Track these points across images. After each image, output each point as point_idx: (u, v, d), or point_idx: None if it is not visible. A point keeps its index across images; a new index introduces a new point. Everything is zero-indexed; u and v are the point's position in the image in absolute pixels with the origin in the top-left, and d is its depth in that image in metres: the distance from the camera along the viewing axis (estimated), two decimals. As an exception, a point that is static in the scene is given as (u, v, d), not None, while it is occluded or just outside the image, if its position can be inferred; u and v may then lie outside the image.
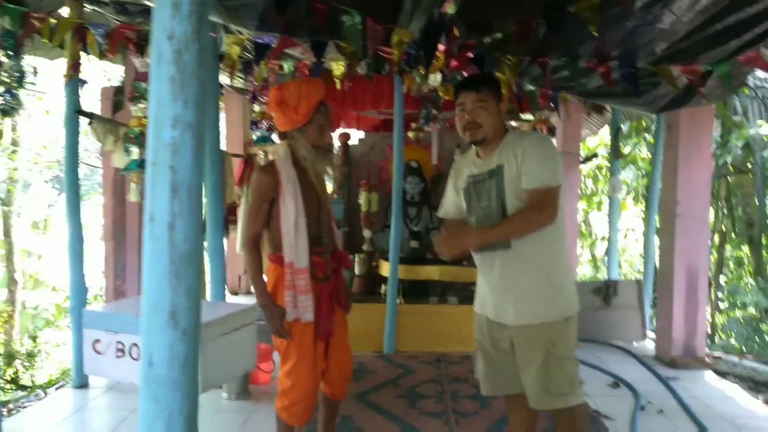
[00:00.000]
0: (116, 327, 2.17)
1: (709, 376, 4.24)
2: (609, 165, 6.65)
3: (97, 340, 2.21)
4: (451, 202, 2.45)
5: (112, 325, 2.18)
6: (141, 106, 3.46)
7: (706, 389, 3.94)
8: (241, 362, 2.37)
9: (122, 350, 2.20)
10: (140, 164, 3.49)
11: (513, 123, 6.82)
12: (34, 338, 7.53)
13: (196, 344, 1.36)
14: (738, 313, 7.49)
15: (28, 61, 3.92)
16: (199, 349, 2.08)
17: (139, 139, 3.44)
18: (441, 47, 2.76)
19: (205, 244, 3.75)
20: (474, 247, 2.21)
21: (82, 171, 12.11)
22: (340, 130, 6.57)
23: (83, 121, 3.70)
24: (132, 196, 3.64)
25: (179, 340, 1.32)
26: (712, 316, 8.18)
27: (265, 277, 2.49)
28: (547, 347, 2.15)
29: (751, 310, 7.10)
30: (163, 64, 1.27)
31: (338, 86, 3.18)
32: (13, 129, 8.71)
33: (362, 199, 5.33)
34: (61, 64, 3.67)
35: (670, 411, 3.50)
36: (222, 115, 6.80)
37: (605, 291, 5.16)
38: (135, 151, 3.47)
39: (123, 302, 2.92)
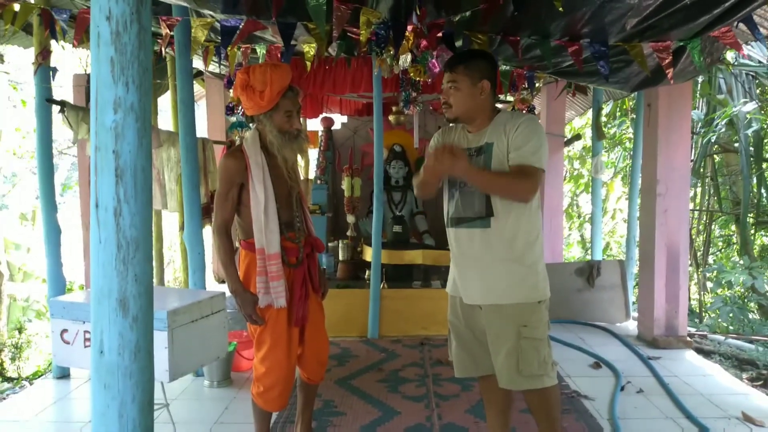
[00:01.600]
0: (83, 316, 2.15)
1: (690, 355, 4.27)
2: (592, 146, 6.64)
3: (65, 330, 2.19)
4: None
5: (78, 315, 2.16)
6: None
7: (687, 368, 3.97)
8: (211, 349, 2.36)
9: (90, 339, 2.18)
10: None
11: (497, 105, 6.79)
12: (20, 330, 7.49)
13: (149, 332, 1.34)
14: (725, 292, 7.54)
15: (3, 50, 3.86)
16: (166, 336, 2.09)
17: None
18: (410, 27, 2.72)
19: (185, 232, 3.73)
20: (458, 174, 2.12)
21: (71, 160, 12.01)
22: (323, 115, 6.53)
23: (56, 110, 3.64)
24: None
25: (129, 327, 1.30)
26: (700, 296, 8.23)
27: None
28: (519, 329, 2.15)
29: (738, 289, 7.15)
30: (102, 46, 1.24)
31: (308, 69, 3.14)
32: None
33: (345, 185, 5.31)
34: (31, 52, 3.62)
35: (650, 390, 3.53)
36: (203, 102, 6.75)
37: (588, 272, 5.18)
38: None
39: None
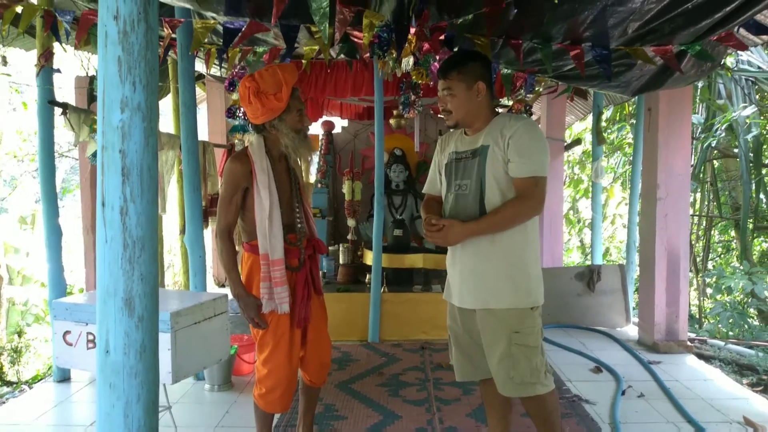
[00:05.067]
0: (86, 318, 2.15)
1: (690, 359, 4.27)
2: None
3: (68, 332, 2.18)
4: (434, 179, 2.44)
5: (81, 316, 2.15)
6: None
7: (687, 372, 3.96)
8: (213, 352, 2.36)
9: (93, 341, 2.18)
10: None
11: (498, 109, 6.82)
12: (19, 334, 7.48)
13: (154, 332, 1.34)
14: (725, 298, 7.55)
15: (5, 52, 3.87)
16: (169, 337, 2.09)
17: None
18: (412, 30, 2.73)
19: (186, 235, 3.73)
20: (461, 240, 2.16)
21: (68, 164, 12.00)
22: (323, 119, 6.54)
23: (58, 112, 3.65)
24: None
25: (135, 327, 1.30)
26: (700, 301, 8.23)
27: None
28: (510, 335, 2.14)
29: (738, 295, 7.15)
30: (109, 45, 1.24)
31: (307, 70, 3.15)
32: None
33: (346, 188, 5.31)
34: (34, 54, 3.62)
35: (651, 394, 3.52)
36: (203, 106, 6.75)
37: (589, 276, 5.18)
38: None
39: (93, 293, 2.90)
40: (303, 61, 3.05)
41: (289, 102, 2.36)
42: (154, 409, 1.34)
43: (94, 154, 3.47)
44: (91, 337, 2.17)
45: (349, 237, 5.44)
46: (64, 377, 3.75)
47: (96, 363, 1.29)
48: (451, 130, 2.37)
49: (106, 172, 1.27)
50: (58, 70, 3.60)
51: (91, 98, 3.75)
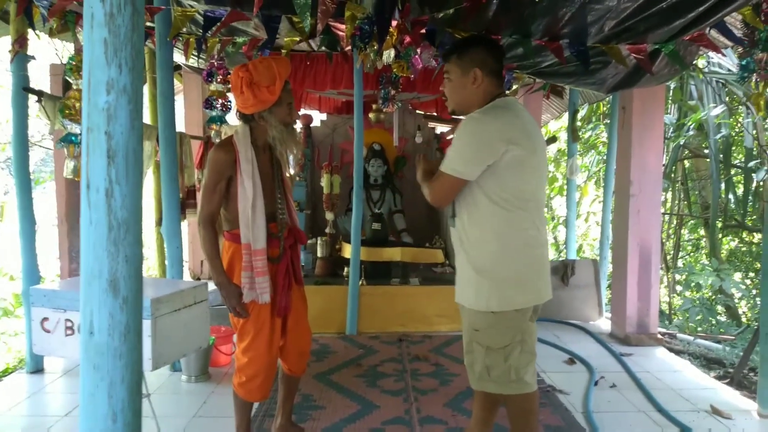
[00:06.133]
0: (64, 305, 2.13)
1: (660, 352, 4.39)
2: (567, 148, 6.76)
3: (45, 318, 2.16)
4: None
5: (59, 303, 2.13)
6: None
7: (658, 364, 4.08)
8: (193, 339, 2.36)
9: (71, 328, 2.17)
10: (75, 140, 3.38)
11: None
12: (-12, 327, 7.32)
13: (138, 313, 1.34)
14: (694, 295, 7.74)
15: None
16: (149, 324, 2.08)
17: (74, 114, 3.33)
18: (394, 23, 2.75)
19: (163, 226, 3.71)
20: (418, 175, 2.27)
21: (39, 155, 11.75)
22: (302, 112, 6.53)
23: (33, 100, 3.59)
24: (66, 173, 3.52)
25: (120, 308, 1.30)
26: (670, 298, 8.42)
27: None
28: (471, 331, 2.16)
29: (707, 291, 7.35)
30: (95, 27, 1.24)
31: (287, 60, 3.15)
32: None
33: (324, 182, 5.32)
34: (8, 40, 3.56)
35: (623, 385, 3.62)
36: (180, 97, 6.68)
37: (563, 271, 5.27)
38: (71, 125, 3.36)
39: (71, 280, 2.87)
40: (283, 51, 3.04)
41: (281, 95, 2.36)
42: (137, 391, 1.34)
43: (63, 139, 3.41)
44: (69, 324, 2.15)
45: (327, 230, 5.45)
46: (38, 368, 3.71)
47: (80, 344, 1.28)
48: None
49: (91, 154, 1.27)
50: (33, 57, 3.54)
51: (67, 86, 3.69)
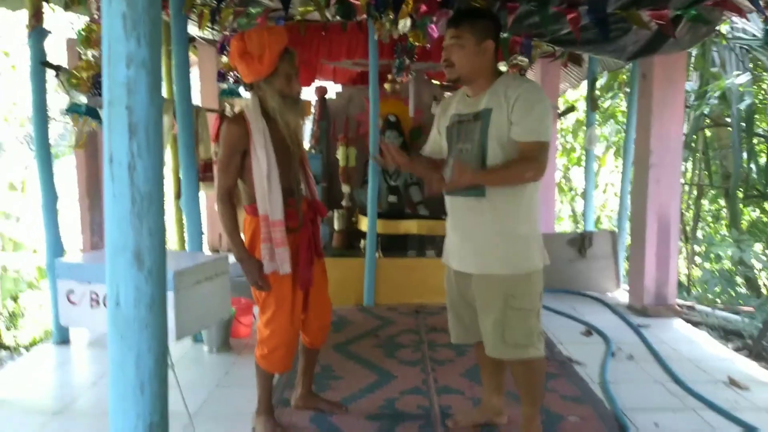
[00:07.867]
0: (89, 277, 2.18)
1: (678, 323, 4.37)
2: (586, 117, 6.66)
3: (71, 291, 2.21)
4: (433, 140, 2.43)
5: (85, 276, 2.18)
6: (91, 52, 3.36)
7: (675, 335, 4.07)
8: (215, 311, 2.40)
9: (96, 300, 2.21)
10: (87, 110, 3.37)
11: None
12: (15, 299, 7.50)
13: (162, 285, 1.37)
14: (714, 266, 7.68)
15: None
16: (172, 296, 2.12)
17: (80, 84, 3.32)
18: (410, -9, 2.71)
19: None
20: (465, 185, 2.11)
21: (56, 132, 11.85)
22: (316, 84, 6.48)
23: (51, 74, 3.60)
24: (69, 141, 3.56)
25: (145, 280, 1.32)
26: (689, 269, 8.36)
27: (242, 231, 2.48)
28: (506, 299, 2.16)
29: (726, 263, 7.27)
30: (114, 1, 1.24)
31: (301, 33, 3.10)
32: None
33: (340, 154, 5.31)
34: (25, 15, 3.56)
35: (640, 356, 3.62)
36: (195, 70, 6.67)
37: (580, 242, 5.25)
38: (78, 97, 3.36)
39: (95, 253, 2.92)
40: (297, 17, 2.99)
41: (278, 66, 2.33)
42: (163, 360, 1.38)
43: (69, 109, 3.41)
44: (94, 296, 2.20)
45: (343, 203, 5.46)
46: (63, 339, 3.79)
47: (107, 316, 1.32)
48: (447, 94, 2.37)
49: (113, 128, 1.28)
50: (50, 32, 3.54)
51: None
